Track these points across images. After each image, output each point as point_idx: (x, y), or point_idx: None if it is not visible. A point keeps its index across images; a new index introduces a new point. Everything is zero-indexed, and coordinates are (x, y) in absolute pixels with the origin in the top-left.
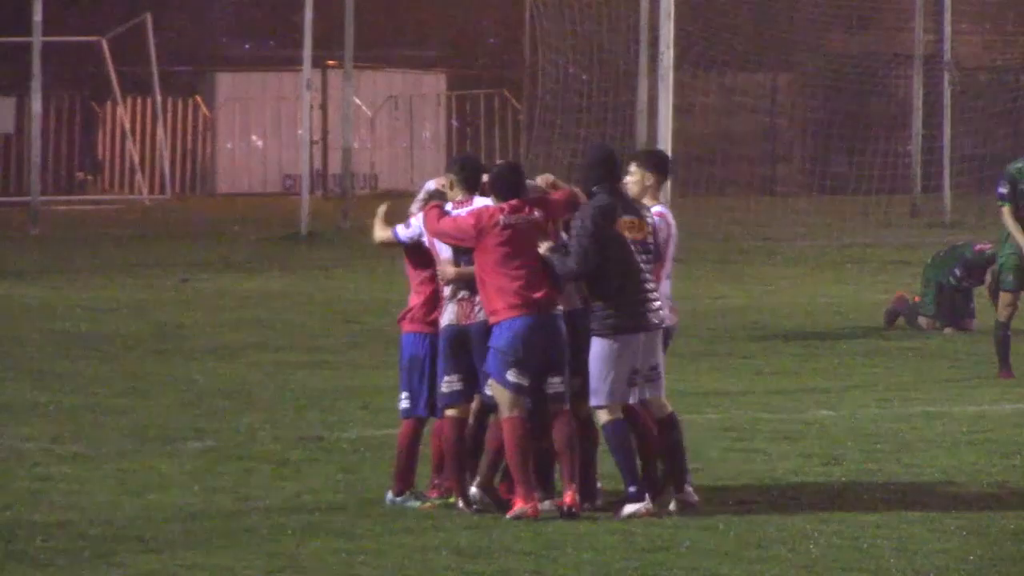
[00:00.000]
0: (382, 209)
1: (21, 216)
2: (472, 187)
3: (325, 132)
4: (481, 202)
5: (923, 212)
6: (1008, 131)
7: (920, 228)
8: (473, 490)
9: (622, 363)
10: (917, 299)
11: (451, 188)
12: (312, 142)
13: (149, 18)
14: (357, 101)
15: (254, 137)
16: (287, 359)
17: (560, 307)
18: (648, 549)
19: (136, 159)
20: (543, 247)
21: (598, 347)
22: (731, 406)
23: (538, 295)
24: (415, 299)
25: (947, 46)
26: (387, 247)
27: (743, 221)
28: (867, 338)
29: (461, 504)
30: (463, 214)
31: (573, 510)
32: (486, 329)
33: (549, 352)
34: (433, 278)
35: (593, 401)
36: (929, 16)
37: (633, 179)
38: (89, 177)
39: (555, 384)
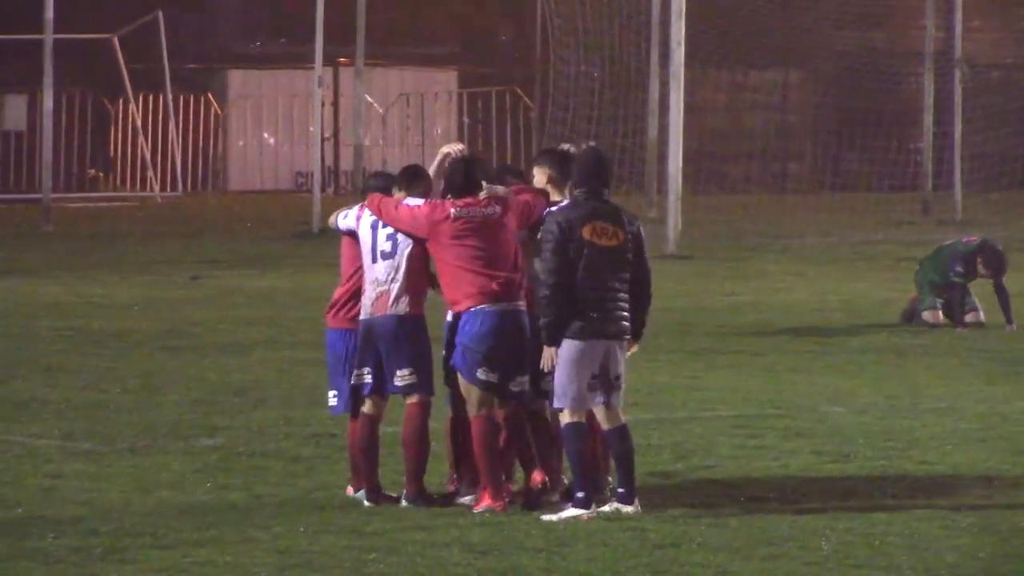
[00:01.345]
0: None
1: (33, 213)
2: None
3: (337, 129)
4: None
5: (934, 209)
6: (1019, 128)
7: (931, 225)
8: (403, 503)
9: (585, 367)
10: (916, 296)
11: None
12: (324, 139)
13: (160, 15)
14: (369, 98)
15: (266, 134)
16: (299, 356)
17: (523, 304)
18: (659, 545)
19: (148, 156)
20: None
21: (565, 349)
22: (742, 403)
23: (495, 285)
24: (340, 293)
25: (958, 43)
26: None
27: (754, 218)
28: (878, 335)
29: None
30: (419, 204)
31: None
32: (397, 322)
33: (515, 347)
34: (360, 273)
35: (556, 404)
36: (940, 13)
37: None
38: (101, 174)
39: (518, 382)
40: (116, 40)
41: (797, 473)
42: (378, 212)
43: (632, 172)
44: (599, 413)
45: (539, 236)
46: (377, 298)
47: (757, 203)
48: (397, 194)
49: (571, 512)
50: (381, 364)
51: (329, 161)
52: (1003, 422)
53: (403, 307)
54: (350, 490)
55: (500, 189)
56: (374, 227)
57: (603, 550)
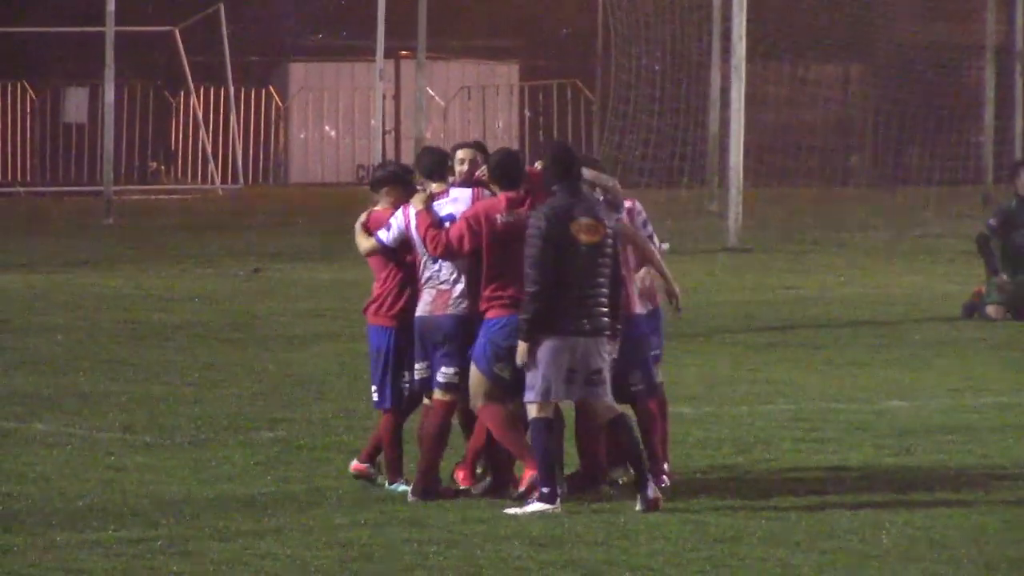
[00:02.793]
0: (362, 218)
1: (94, 206)
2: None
3: (398, 122)
4: (458, 193)
5: (995, 202)
6: None
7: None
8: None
9: (560, 362)
10: (982, 289)
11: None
12: (385, 132)
13: (222, 8)
14: (430, 91)
15: (327, 127)
16: (360, 348)
17: None
18: (720, 539)
19: (209, 149)
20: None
21: (542, 344)
22: (803, 397)
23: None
24: (379, 289)
25: (1020, 36)
26: (373, 254)
27: (815, 212)
28: (939, 329)
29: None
30: (459, 220)
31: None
32: (458, 322)
33: None
34: (399, 269)
35: (527, 396)
36: (1001, 6)
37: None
38: (162, 167)
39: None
40: (177, 33)
41: (857, 467)
42: (433, 249)
43: (693, 165)
44: (596, 409)
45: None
46: (437, 296)
47: (818, 196)
48: (421, 185)
49: (536, 507)
50: (435, 360)
51: (390, 154)
52: None
53: (463, 308)
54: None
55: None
56: None
57: (663, 543)
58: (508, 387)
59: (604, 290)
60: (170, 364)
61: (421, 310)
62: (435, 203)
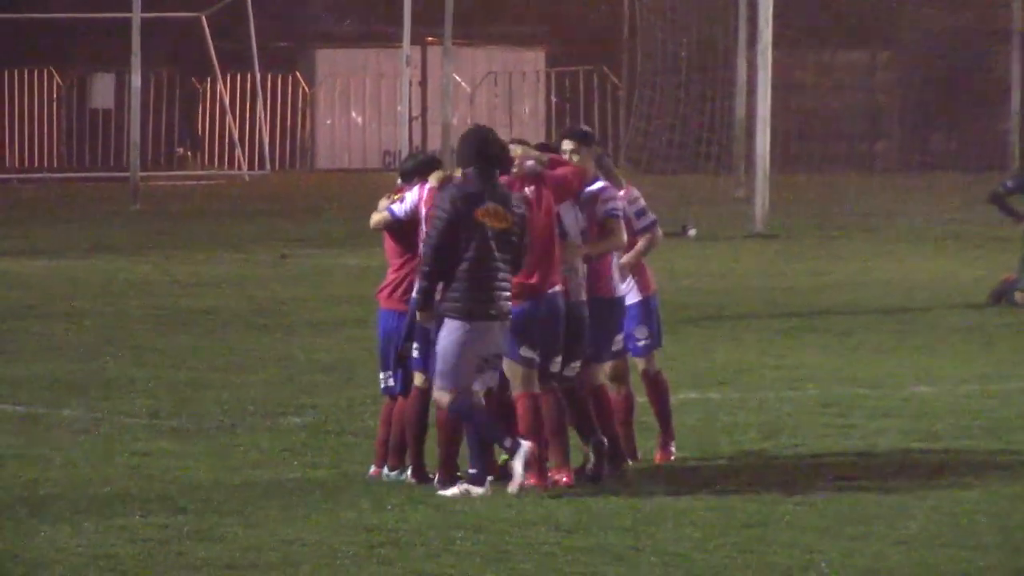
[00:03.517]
0: (383, 202)
1: (121, 192)
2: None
3: (424, 108)
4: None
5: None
6: None
7: (1019, 204)
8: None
9: (473, 349)
10: (1012, 276)
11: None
12: (411, 118)
13: None
14: (456, 77)
15: (353, 113)
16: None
17: (559, 286)
18: (747, 524)
19: (236, 135)
20: None
21: (450, 329)
22: (830, 382)
23: (533, 280)
24: (393, 275)
25: None
26: (382, 227)
27: (841, 198)
28: (966, 315)
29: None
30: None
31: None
32: None
33: (553, 329)
34: (415, 255)
35: (438, 383)
36: None
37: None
38: (189, 153)
39: (554, 363)
40: (204, 19)
41: (884, 452)
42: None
43: (719, 152)
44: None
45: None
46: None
47: (844, 183)
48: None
49: (465, 488)
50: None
51: (417, 140)
52: None
53: None
54: (375, 471)
55: (530, 163)
56: None
57: (690, 529)
58: (541, 369)
59: (508, 275)
60: (197, 350)
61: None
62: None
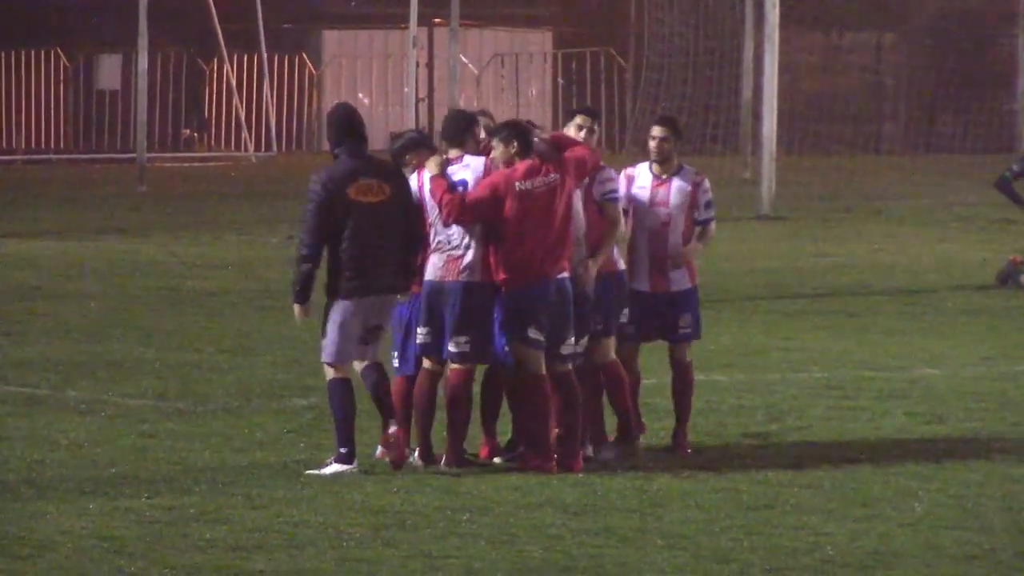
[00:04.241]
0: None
1: (127, 173)
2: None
3: (431, 90)
4: (471, 160)
5: None
6: None
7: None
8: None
9: (354, 324)
10: (1020, 258)
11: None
12: (418, 100)
13: None
14: (463, 59)
15: (360, 94)
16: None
17: (567, 273)
18: (753, 507)
19: (242, 116)
20: None
21: (333, 308)
22: (836, 364)
23: (547, 263)
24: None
25: None
26: None
27: (848, 180)
28: (972, 297)
29: (420, 458)
30: (480, 188)
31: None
32: (466, 289)
33: (563, 314)
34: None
35: (323, 357)
36: None
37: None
38: (195, 134)
39: (566, 345)
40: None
41: (890, 435)
42: (448, 214)
43: (726, 133)
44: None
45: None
46: (447, 262)
47: (851, 164)
48: (444, 152)
49: (334, 468)
50: (440, 326)
51: (423, 122)
52: None
53: (475, 275)
54: (381, 452)
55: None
56: None
57: (696, 511)
58: (543, 349)
59: (394, 248)
60: (203, 331)
61: (430, 275)
62: (448, 168)
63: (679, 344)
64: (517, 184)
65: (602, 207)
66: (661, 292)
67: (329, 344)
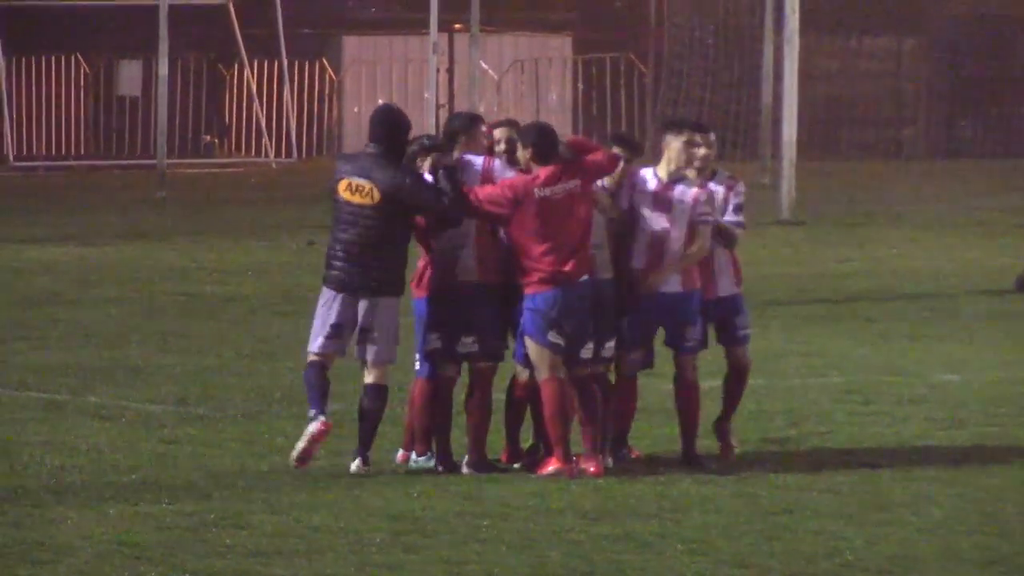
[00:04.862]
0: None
1: (148, 179)
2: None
3: (451, 96)
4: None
5: None
6: None
7: None
8: (465, 469)
9: (325, 315)
10: None
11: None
12: (439, 106)
13: None
14: (483, 65)
15: (380, 100)
16: (405, 322)
17: (587, 276)
18: (773, 512)
19: (263, 122)
20: None
21: (321, 296)
22: (855, 369)
23: (567, 268)
24: (424, 262)
25: None
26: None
27: (868, 185)
28: (992, 302)
29: (441, 464)
30: (501, 189)
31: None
32: (467, 289)
33: (581, 317)
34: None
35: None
36: None
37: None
38: (215, 140)
39: (586, 349)
40: (231, 6)
41: (910, 440)
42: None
43: (745, 138)
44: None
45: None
46: (447, 266)
47: (871, 169)
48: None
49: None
50: (452, 330)
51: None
52: None
53: (473, 275)
54: (402, 455)
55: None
56: None
57: (716, 516)
58: (564, 353)
59: (369, 251)
60: (224, 337)
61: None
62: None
63: (740, 346)
64: (536, 191)
65: (695, 227)
66: (710, 298)
67: (312, 332)
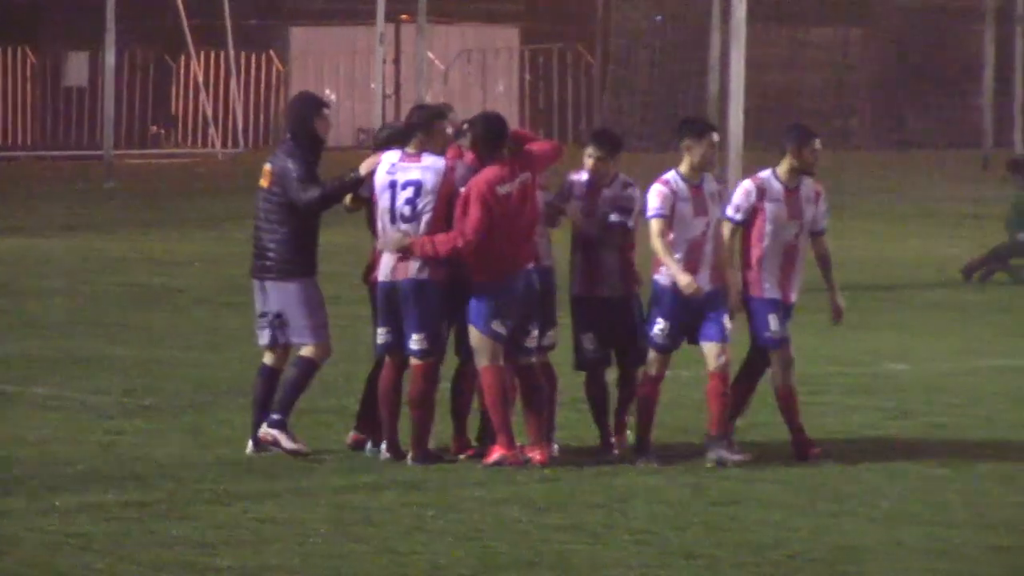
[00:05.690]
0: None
1: (95, 170)
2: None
3: (398, 86)
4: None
5: (994, 166)
6: None
7: (991, 182)
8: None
9: (256, 304)
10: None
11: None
12: (385, 96)
13: None
14: (430, 55)
15: (327, 91)
16: (359, 312)
17: (532, 264)
18: (719, 502)
19: (210, 113)
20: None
21: None
22: (803, 360)
23: (515, 257)
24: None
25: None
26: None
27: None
28: (938, 292)
29: (388, 452)
30: (469, 207)
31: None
32: (417, 286)
33: (528, 306)
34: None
35: None
36: None
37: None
38: (163, 131)
39: (530, 338)
40: None
41: (857, 430)
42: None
43: None
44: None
45: None
46: (397, 262)
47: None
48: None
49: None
50: (399, 325)
51: (390, 118)
52: None
53: (424, 272)
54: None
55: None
56: (392, 187)
57: (662, 506)
58: (506, 343)
59: (266, 234)
60: (170, 328)
61: (382, 276)
62: (400, 165)
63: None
64: (498, 188)
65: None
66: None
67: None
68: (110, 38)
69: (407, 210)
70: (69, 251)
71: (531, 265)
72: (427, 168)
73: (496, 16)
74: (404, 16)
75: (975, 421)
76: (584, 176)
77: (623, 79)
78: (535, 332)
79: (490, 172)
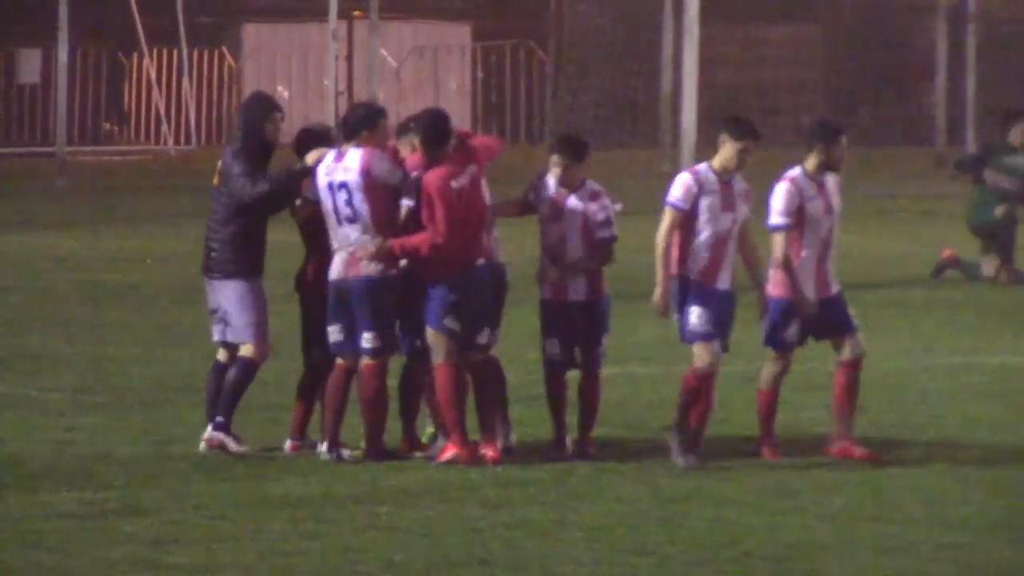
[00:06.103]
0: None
1: (47, 167)
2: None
3: (351, 83)
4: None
5: (947, 164)
6: None
7: (944, 180)
8: (322, 447)
9: (208, 300)
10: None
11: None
12: (338, 93)
13: None
14: (383, 52)
15: (280, 88)
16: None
17: (483, 260)
18: (672, 499)
19: (162, 110)
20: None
21: None
22: (755, 357)
23: (467, 253)
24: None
25: None
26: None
27: (769, 172)
28: (891, 289)
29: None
30: (433, 207)
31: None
32: (369, 284)
33: (481, 303)
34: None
35: None
36: None
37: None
38: (115, 128)
39: (483, 335)
40: None
41: (810, 427)
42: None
43: (646, 126)
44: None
45: None
46: (349, 260)
47: (770, 158)
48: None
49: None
50: (350, 323)
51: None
52: (1016, 376)
53: (374, 269)
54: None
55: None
56: (331, 188)
57: (615, 504)
58: (465, 340)
59: (214, 232)
60: (123, 325)
61: (334, 274)
62: (331, 166)
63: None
64: (452, 183)
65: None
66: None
67: None
68: (63, 35)
69: (347, 211)
70: (22, 248)
71: (482, 261)
72: (348, 169)
73: (448, 13)
74: (357, 13)
75: (927, 418)
76: (551, 180)
77: (575, 76)
78: (487, 329)
79: (442, 169)
